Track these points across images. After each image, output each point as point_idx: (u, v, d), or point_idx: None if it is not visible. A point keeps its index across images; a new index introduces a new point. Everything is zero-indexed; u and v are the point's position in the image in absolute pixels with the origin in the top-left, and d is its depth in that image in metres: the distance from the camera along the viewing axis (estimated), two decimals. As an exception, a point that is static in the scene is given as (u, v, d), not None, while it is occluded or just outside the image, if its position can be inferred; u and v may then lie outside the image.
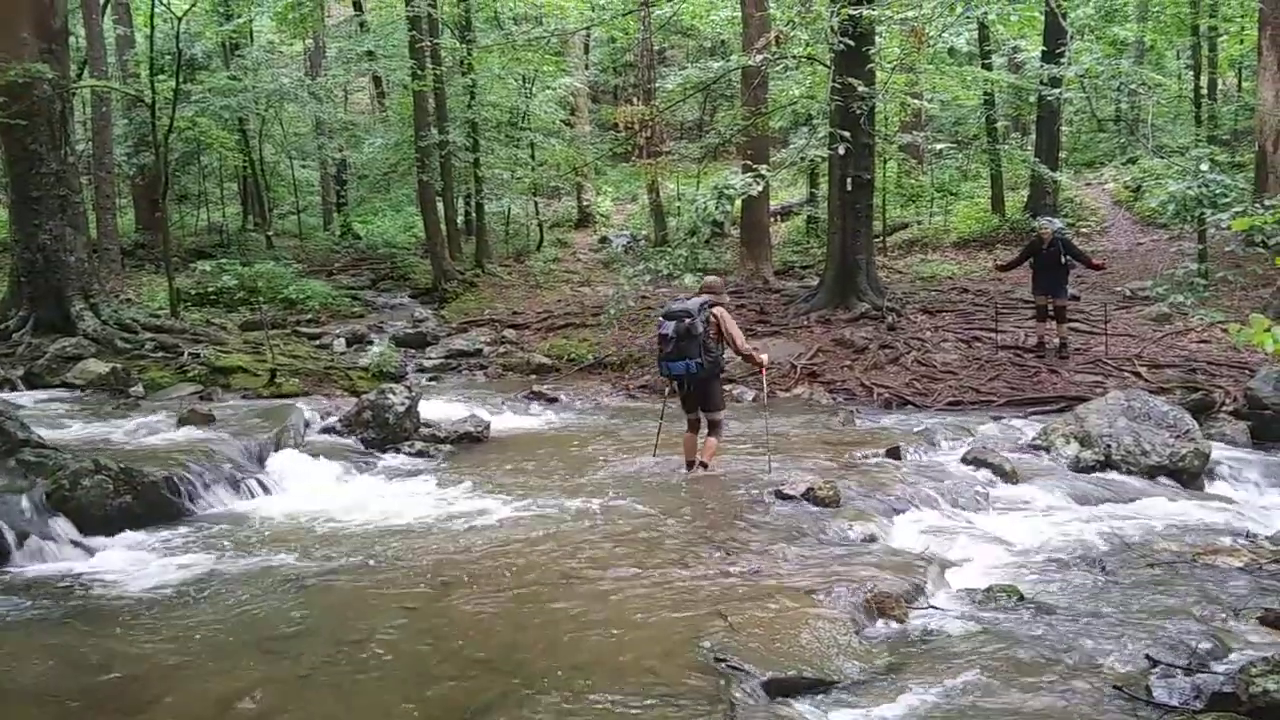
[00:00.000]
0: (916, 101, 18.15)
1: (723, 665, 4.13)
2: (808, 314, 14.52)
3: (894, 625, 4.80)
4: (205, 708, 3.93)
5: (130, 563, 5.84)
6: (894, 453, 8.25)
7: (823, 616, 4.64)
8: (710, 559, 5.56)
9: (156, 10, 16.58)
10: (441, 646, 4.47)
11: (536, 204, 25.41)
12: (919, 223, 22.12)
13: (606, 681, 4.05)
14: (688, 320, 7.43)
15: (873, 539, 6.16)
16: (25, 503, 6.23)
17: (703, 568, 5.43)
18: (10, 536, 5.83)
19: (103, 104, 20.13)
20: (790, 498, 6.66)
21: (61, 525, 6.21)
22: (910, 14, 12.63)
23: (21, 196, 12.97)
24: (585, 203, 26.89)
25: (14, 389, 11.13)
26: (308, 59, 28.58)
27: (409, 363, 14.31)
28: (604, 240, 24.80)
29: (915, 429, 9.55)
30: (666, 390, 8.35)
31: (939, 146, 18.89)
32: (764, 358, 8.09)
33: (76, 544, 6.11)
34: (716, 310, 7.61)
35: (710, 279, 8.26)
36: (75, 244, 13.12)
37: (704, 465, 7.71)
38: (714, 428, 7.79)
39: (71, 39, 16.92)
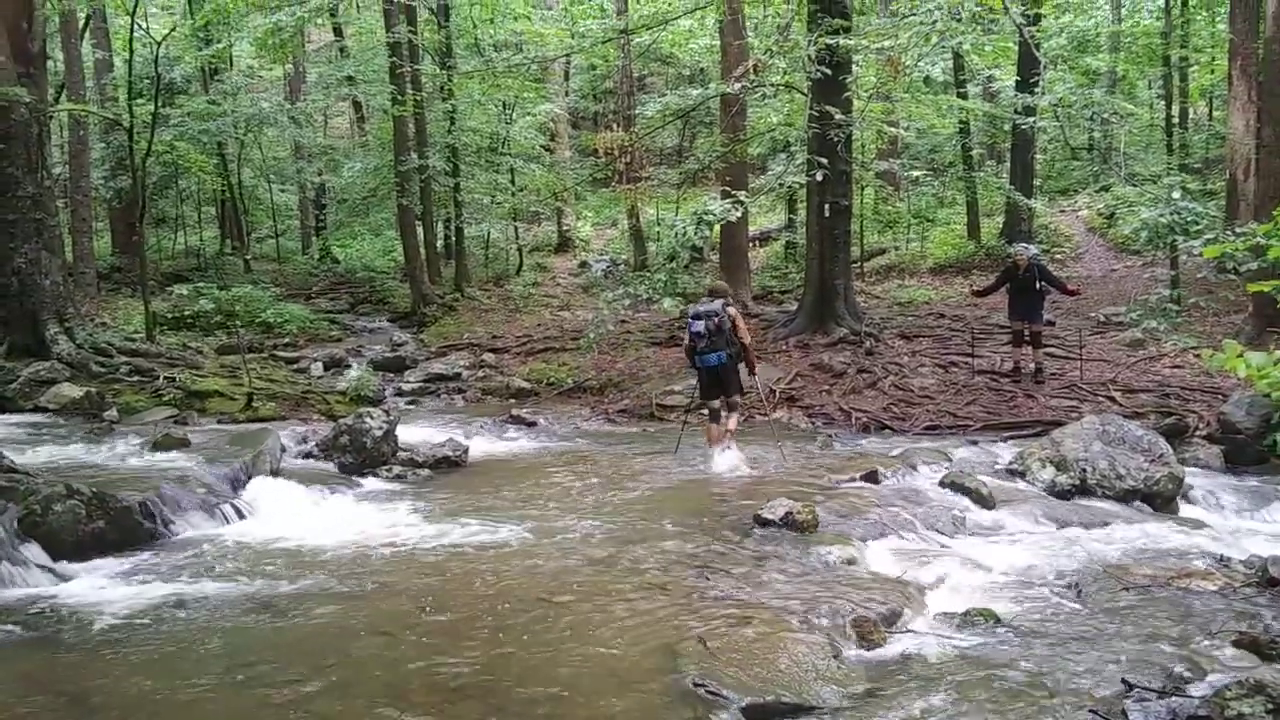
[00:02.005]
0: (893, 129, 18.36)
1: (701, 690, 4.12)
2: (786, 338, 14.57)
3: (872, 649, 4.80)
4: (177, 736, 3.89)
5: (103, 589, 5.76)
6: (871, 477, 8.27)
7: (801, 641, 4.63)
8: (688, 583, 5.56)
9: (136, 34, 16.56)
10: (417, 672, 4.44)
11: (516, 229, 25.47)
12: (896, 248, 22.30)
13: (583, 707, 4.04)
14: (716, 319, 8.91)
15: (850, 563, 6.16)
16: (-4, 528, 6.15)
17: (681, 592, 5.42)
18: (-20, 563, 5.74)
19: (80, 128, 20.10)
20: (769, 522, 6.66)
21: (33, 551, 6.12)
22: (887, 43, 12.79)
23: (-3, 220, 12.89)
24: (565, 228, 26.96)
25: (-14, 413, 11.02)
26: (287, 84, 28.61)
27: (387, 387, 14.25)
28: (584, 265, 24.86)
29: (893, 453, 9.57)
30: (687, 412, 10.05)
31: (915, 174, 19.04)
32: (754, 359, 9.48)
33: (48, 570, 6.01)
34: (731, 310, 9.09)
35: (718, 283, 10.02)
36: (51, 267, 13.02)
37: (729, 433, 9.17)
38: (732, 408, 9.28)
39: (50, 62, 16.87)
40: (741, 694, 4.12)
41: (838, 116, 12.79)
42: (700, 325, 8.91)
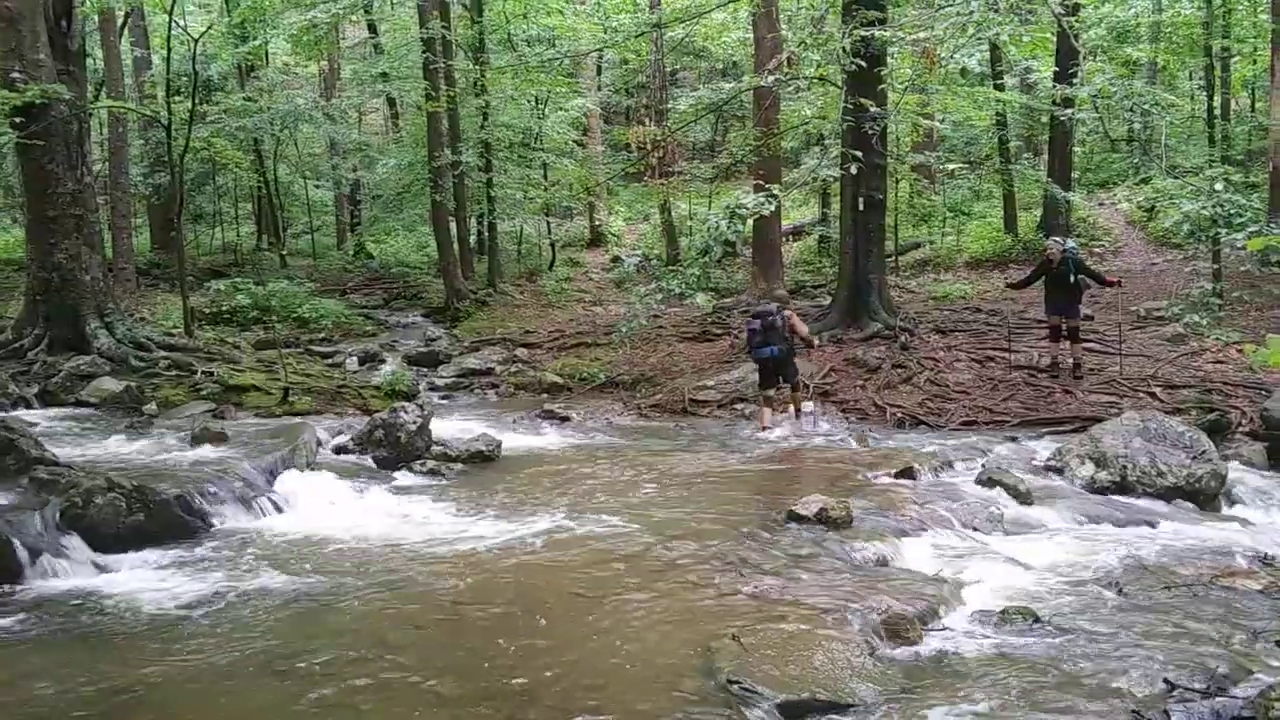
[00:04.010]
0: (928, 122, 18.14)
1: (736, 687, 4.10)
2: (820, 333, 14.43)
3: (908, 647, 4.75)
4: (215, 727, 3.92)
5: (142, 581, 5.84)
6: (907, 473, 8.20)
7: (836, 638, 4.60)
8: (722, 580, 5.53)
9: (173, 32, 16.73)
10: (451, 667, 4.46)
11: (549, 224, 25.50)
12: (931, 242, 22.08)
13: (617, 702, 4.03)
14: (770, 318, 10.65)
15: (886, 560, 6.12)
16: (38, 520, 6.24)
17: (714, 588, 5.40)
18: (23, 554, 5.83)
19: (119, 124, 20.38)
20: (803, 518, 6.62)
21: (74, 543, 6.21)
22: (922, 35, 12.63)
23: (38, 216, 13.06)
24: (597, 222, 26.95)
25: (29, 407, 11.18)
26: (322, 80, 28.83)
27: (421, 381, 14.31)
28: (616, 260, 24.81)
29: (928, 449, 9.49)
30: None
31: (951, 167, 18.87)
32: (815, 341, 12.08)
33: (88, 562, 6.10)
34: (787, 312, 10.94)
35: (778, 291, 12.89)
36: (90, 263, 13.19)
37: (798, 410, 11.02)
38: (795, 386, 11.07)
39: (89, 60, 17.08)
40: (776, 691, 4.10)
41: (872, 109, 12.66)
42: (757, 324, 10.65)
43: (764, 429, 10.71)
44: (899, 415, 11.48)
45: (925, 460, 8.73)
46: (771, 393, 11.03)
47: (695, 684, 4.17)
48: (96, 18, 19.51)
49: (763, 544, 6.23)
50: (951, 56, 12.92)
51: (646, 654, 4.52)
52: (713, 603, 5.17)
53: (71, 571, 5.95)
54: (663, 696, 4.07)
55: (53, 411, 11.08)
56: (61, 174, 12.85)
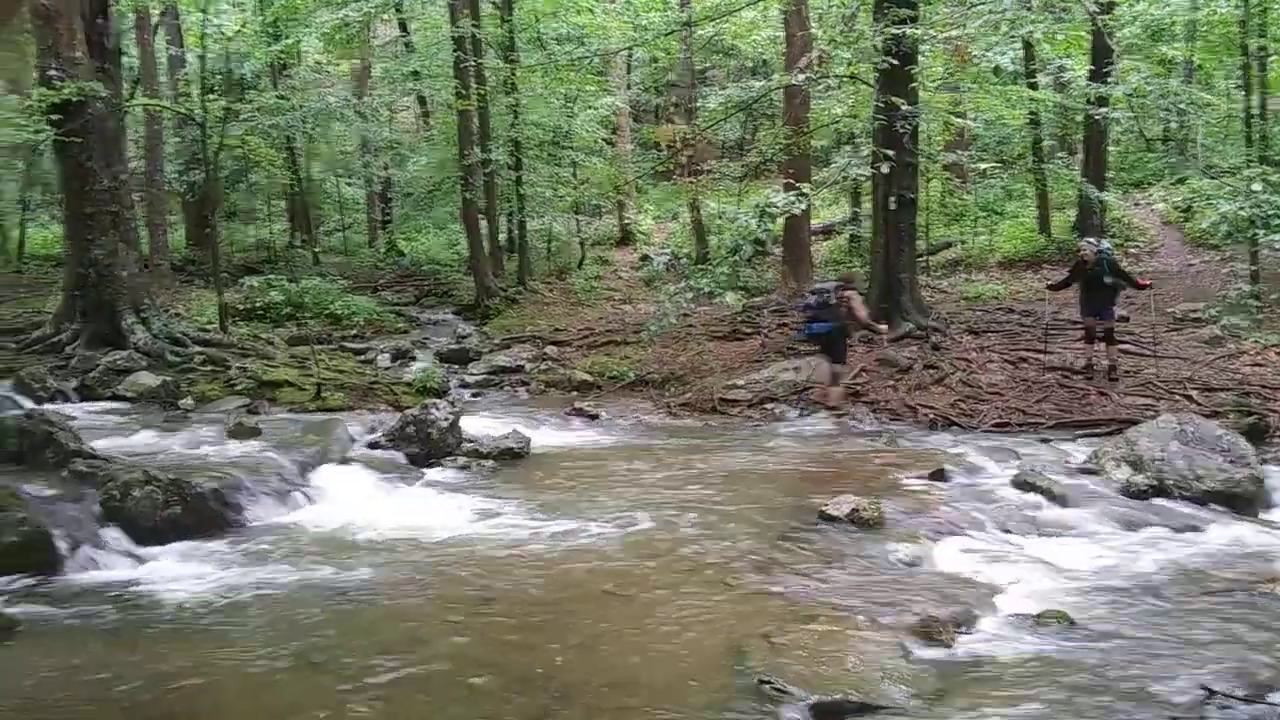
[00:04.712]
0: (960, 121, 18.02)
1: (767, 687, 4.10)
2: (851, 333, 14.40)
3: (941, 650, 4.72)
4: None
5: (179, 573, 5.91)
6: (939, 475, 8.14)
7: (869, 640, 4.59)
8: (753, 579, 5.53)
9: (207, 31, 16.90)
10: (482, 662, 4.48)
11: (578, 222, 25.51)
12: (963, 242, 21.91)
13: (647, 701, 4.04)
14: (825, 295, 11.14)
15: (918, 562, 6.09)
16: (77, 512, 6.34)
17: (745, 588, 5.39)
18: (63, 546, 5.92)
19: (155, 122, 20.62)
20: (834, 518, 6.60)
21: (112, 535, 6.30)
22: (954, 33, 12.55)
23: (75, 213, 13.22)
24: (627, 221, 26.94)
25: (67, 401, 11.32)
26: (354, 79, 29.01)
27: (452, 378, 14.37)
28: (645, 258, 24.79)
29: (960, 450, 9.42)
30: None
31: (983, 166, 18.71)
32: (883, 326, 12.15)
33: (127, 554, 6.19)
34: (848, 293, 11.21)
35: (847, 271, 13.33)
36: (127, 259, 13.35)
37: (831, 407, 11.30)
38: (835, 378, 11.43)
39: (125, 59, 17.27)
40: (809, 691, 4.09)
41: (904, 108, 12.59)
42: (812, 299, 11.20)
43: (828, 400, 11.44)
44: (931, 416, 11.40)
45: (957, 462, 8.67)
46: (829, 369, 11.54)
47: (727, 683, 4.17)
48: (132, 16, 19.73)
49: (794, 544, 6.22)
50: (984, 55, 12.82)
51: (678, 652, 4.52)
52: (743, 602, 5.17)
53: (110, 563, 6.04)
54: (694, 695, 4.08)
55: (90, 405, 11.22)
56: (98, 171, 13.01)
